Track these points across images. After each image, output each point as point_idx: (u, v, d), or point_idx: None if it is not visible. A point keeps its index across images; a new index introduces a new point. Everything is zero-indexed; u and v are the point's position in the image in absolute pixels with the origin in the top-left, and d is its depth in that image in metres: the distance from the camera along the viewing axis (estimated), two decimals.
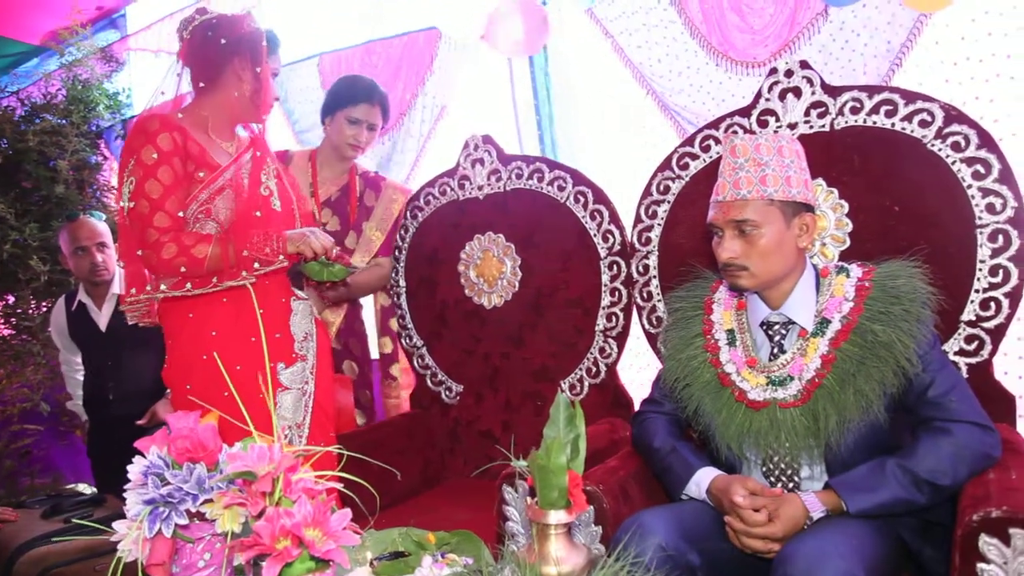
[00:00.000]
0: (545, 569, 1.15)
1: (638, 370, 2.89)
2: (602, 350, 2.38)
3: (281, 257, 1.92)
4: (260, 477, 1.00)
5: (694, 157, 2.18)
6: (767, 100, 2.05)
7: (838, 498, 1.50)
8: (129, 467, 1.09)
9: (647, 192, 2.26)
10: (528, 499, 1.22)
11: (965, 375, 1.78)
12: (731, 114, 2.12)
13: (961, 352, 1.81)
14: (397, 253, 2.82)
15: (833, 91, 1.97)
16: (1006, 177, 1.76)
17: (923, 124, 1.84)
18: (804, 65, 2.00)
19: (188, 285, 1.90)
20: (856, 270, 1.65)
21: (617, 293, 2.34)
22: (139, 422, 2.88)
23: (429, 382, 2.77)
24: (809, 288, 1.66)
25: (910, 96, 1.87)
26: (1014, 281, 1.76)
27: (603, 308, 2.37)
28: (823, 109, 1.97)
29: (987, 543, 1.29)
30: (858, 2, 2.36)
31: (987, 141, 1.78)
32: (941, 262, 1.72)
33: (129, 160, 1.90)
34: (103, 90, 4.48)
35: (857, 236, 1.93)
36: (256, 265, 1.89)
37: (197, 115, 2.00)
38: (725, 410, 1.68)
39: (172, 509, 1.07)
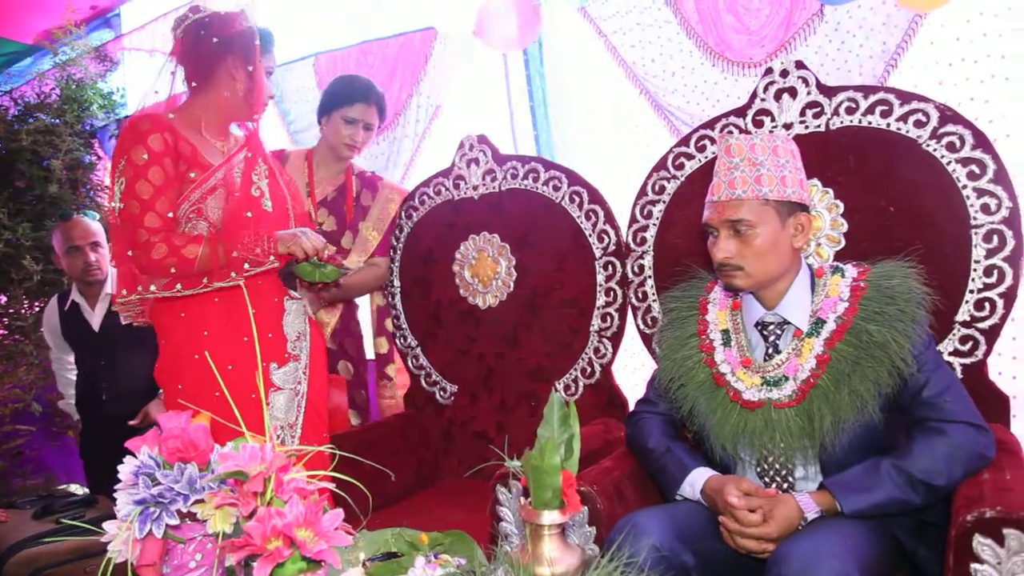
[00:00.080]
0: (539, 570, 1.15)
1: (633, 370, 2.89)
2: (597, 350, 2.37)
3: (272, 258, 1.91)
4: (251, 477, 0.99)
5: (689, 157, 2.18)
6: (762, 100, 2.05)
7: (833, 498, 1.50)
8: (120, 467, 1.08)
9: (642, 192, 2.26)
10: (522, 499, 1.22)
11: (959, 375, 1.78)
12: (727, 114, 2.12)
13: (955, 352, 1.81)
14: (393, 253, 2.81)
15: (828, 91, 1.96)
16: (1001, 178, 1.76)
17: (918, 124, 1.84)
18: (799, 65, 2.00)
19: (178, 286, 1.90)
20: (851, 270, 1.65)
21: (612, 293, 2.34)
22: (132, 422, 2.87)
23: (423, 382, 2.76)
24: (804, 288, 1.66)
25: (905, 96, 1.87)
26: (1008, 281, 1.76)
27: (598, 308, 2.37)
28: (818, 109, 1.97)
29: (981, 543, 1.29)
30: (853, 1, 2.36)
31: (982, 142, 1.78)
32: (936, 262, 1.72)
33: (120, 161, 1.89)
34: (97, 89, 4.47)
35: (852, 236, 1.92)
36: (246, 266, 1.88)
37: (190, 114, 1.99)
38: (720, 410, 1.68)
39: (163, 509, 1.06)
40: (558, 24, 3.04)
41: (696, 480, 1.66)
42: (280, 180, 2.09)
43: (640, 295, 2.27)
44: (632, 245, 2.27)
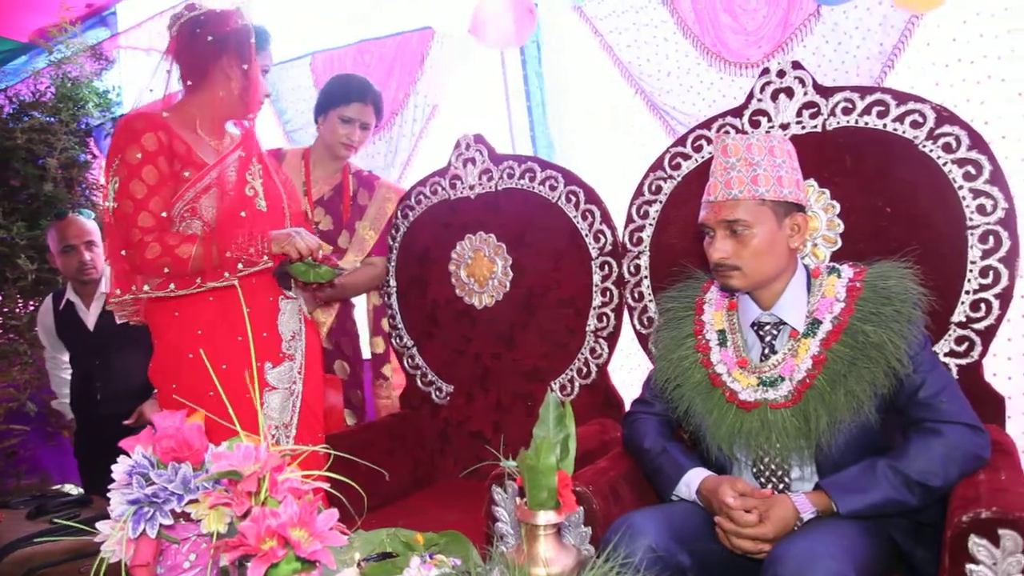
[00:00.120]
0: (534, 570, 1.14)
1: (629, 371, 2.89)
2: (593, 350, 2.37)
3: (265, 258, 1.90)
4: (246, 477, 0.99)
5: (686, 157, 2.18)
6: (759, 100, 2.05)
7: (829, 499, 1.50)
8: (114, 467, 1.08)
9: (639, 192, 2.25)
10: (518, 500, 1.22)
11: (955, 376, 1.78)
12: (723, 114, 2.12)
13: (951, 353, 1.81)
14: (389, 253, 2.81)
15: (825, 92, 1.96)
16: (997, 178, 1.76)
17: (915, 125, 1.84)
18: (796, 65, 2.00)
19: (172, 286, 1.89)
20: (847, 271, 1.65)
21: (608, 293, 2.34)
22: (126, 422, 2.86)
23: (419, 382, 2.76)
24: (800, 289, 1.66)
25: (902, 97, 1.87)
26: (1004, 282, 1.76)
27: (594, 308, 2.36)
28: (815, 110, 1.97)
29: (977, 544, 1.29)
30: (850, 2, 2.36)
31: (978, 142, 1.78)
32: (932, 263, 1.72)
33: (114, 160, 1.89)
34: (93, 88, 4.45)
35: (848, 237, 1.92)
36: (240, 266, 1.88)
37: (185, 113, 1.98)
38: (716, 411, 1.68)
39: (157, 509, 1.05)
40: (554, 23, 3.04)
41: (692, 480, 1.65)
42: (276, 179, 2.09)
43: (636, 295, 2.26)
44: (628, 245, 2.27)
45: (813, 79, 1.98)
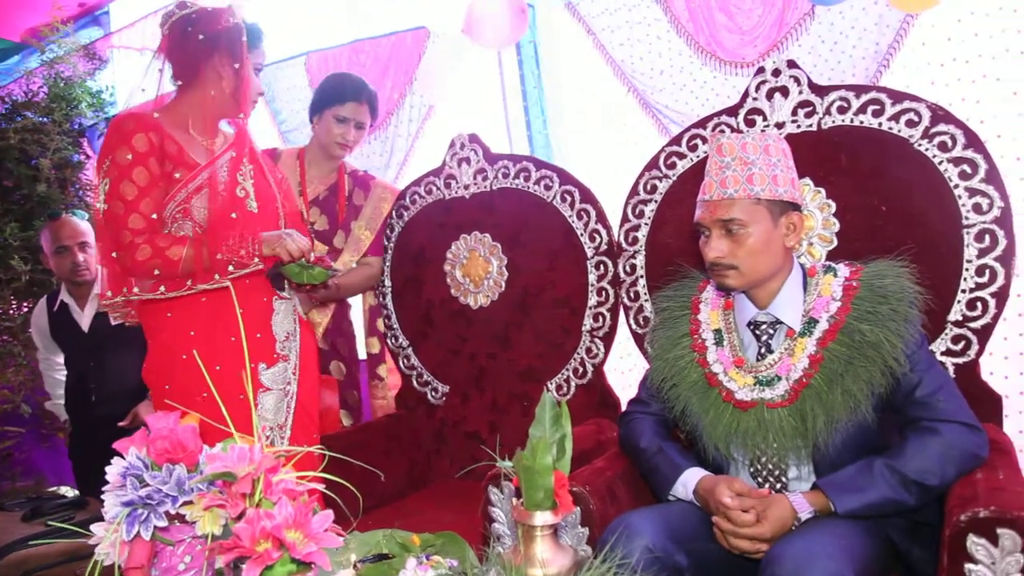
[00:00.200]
0: (531, 571, 1.14)
1: (625, 371, 2.89)
2: (589, 350, 2.37)
3: (256, 260, 1.89)
4: (240, 478, 0.98)
5: (681, 156, 2.17)
6: (754, 99, 2.05)
7: (826, 499, 1.49)
8: (107, 468, 1.07)
9: (634, 191, 2.25)
10: (514, 500, 1.21)
11: (952, 375, 1.78)
12: (718, 113, 2.12)
13: (948, 352, 1.81)
14: (384, 253, 2.80)
15: (820, 90, 1.96)
16: (992, 177, 1.76)
17: (910, 124, 1.84)
18: (791, 64, 2.00)
19: (162, 288, 1.88)
20: (843, 269, 1.65)
21: (604, 293, 2.33)
22: (121, 423, 2.85)
23: (415, 383, 2.75)
24: (796, 288, 1.66)
25: (897, 96, 1.87)
26: (1000, 281, 1.76)
27: (590, 308, 2.36)
28: (810, 108, 1.97)
29: (975, 543, 1.29)
30: (845, 1, 2.36)
31: (974, 141, 1.78)
32: (928, 262, 1.72)
33: (105, 161, 1.88)
34: (86, 88, 4.44)
35: (844, 236, 1.92)
36: (231, 268, 1.87)
37: (177, 112, 1.97)
38: (712, 410, 1.67)
39: (151, 511, 1.05)
40: (548, 21, 3.04)
41: (689, 480, 1.65)
42: (270, 179, 2.08)
43: (632, 295, 2.26)
44: (624, 244, 2.27)
45: (808, 78, 1.98)
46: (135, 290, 1.89)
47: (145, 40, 4.07)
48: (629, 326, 2.28)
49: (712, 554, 1.56)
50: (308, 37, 3.74)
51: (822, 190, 1.95)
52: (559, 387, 2.42)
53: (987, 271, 1.77)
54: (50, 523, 2.50)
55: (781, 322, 1.65)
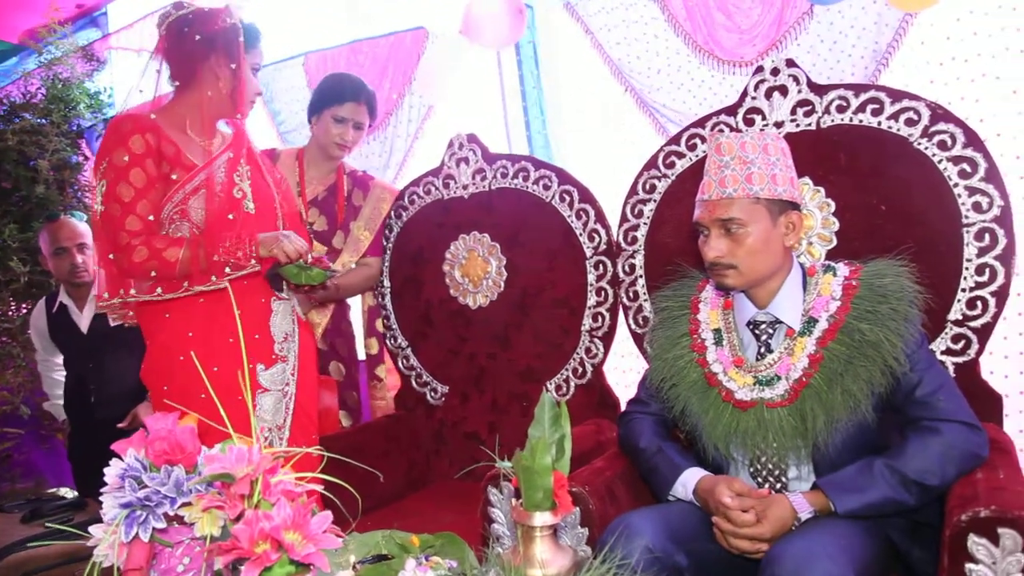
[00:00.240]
0: (530, 572, 1.14)
1: (624, 371, 2.88)
2: (588, 350, 2.37)
3: (253, 261, 1.89)
4: (238, 480, 0.98)
5: (680, 156, 2.17)
6: (753, 98, 2.05)
7: (826, 499, 1.49)
8: (106, 470, 1.07)
9: (633, 191, 2.25)
10: (513, 501, 1.21)
11: (952, 374, 1.77)
12: (717, 112, 2.12)
13: (948, 351, 1.81)
14: (384, 253, 2.80)
15: (819, 89, 1.96)
16: (992, 176, 1.76)
17: (909, 123, 1.84)
18: (790, 63, 2.00)
19: (159, 289, 1.88)
20: (843, 269, 1.65)
21: (603, 293, 2.33)
22: (121, 424, 2.85)
23: (414, 383, 2.75)
24: (796, 287, 1.65)
25: (896, 95, 1.87)
26: (1000, 280, 1.76)
27: (589, 308, 2.36)
28: (809, 107, 1.96)
29: (976, 543, 1.29)
30: (844, 0, 2.36)
31: (973, 140, 1.78)
32: (928, 261, 1.72)
33: (102, 163, 1.88)
34: (84, 89, 4.44)
35: (844, 235, 1.92)
36: (228, 270, 1.87)
37: (174, 113, 1.97)
38: (712, 410, 1.67)
39: (150, 513, 1.04)
40: (546, 21, 3.04)
41: (688, 480, 1.65)
42: (268, 179, 2.07)
43: (631, 294, 2.26)
44: (623, 244, 2.26)
45: (807, 77, 1.98)
46: (132, 292, 1.89)
47: (143, 41, 4.07)
48: (628, 326, 2.28)
49: (712, 554, 1.55)
50: (306, 37, 3.73)
51: (821, 189, 1.95)
52: (558, 387, 2.42)
53: (987, 270, 1.76)
54: (48, 525, 2.49)
55: (781, 321, 1.65)
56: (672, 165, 2.18)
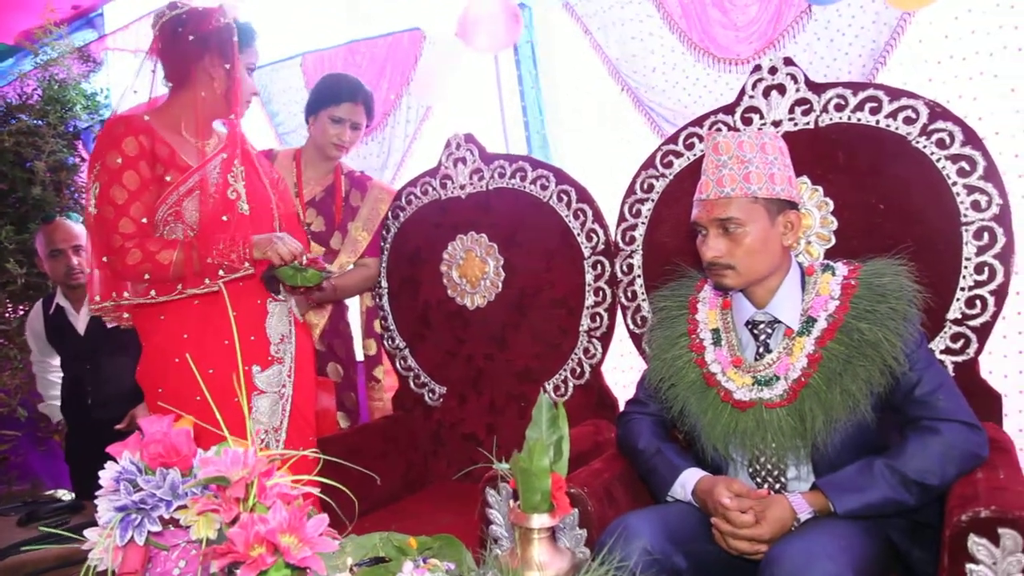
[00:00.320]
0: (528, 574, 1.13)
1: (623, 371, 2.88)
2: (586, 351, 2.36)
3: (247, 264, 1.88)
4: (233, 482, 0.97)
5: (678, 155, 2.16)
6: (751, 97, 2.04)
7: (825, 499, 1.49)
8: (101, 473, 1.06)
9: (631, 190, 2.24)
10: (511, 502, 1.20)
11: (951, 374, 1.77)
12: (715, 111, 2.11)
13: (947, 351, 1.80)
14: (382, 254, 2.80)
15: (817, 88, 1.96)
16: (991, 174, 1.75)
17: (908, 121, 1.84)
18: (788, 62, 1.99)
19: (152, 292, 1.87)
20: (842, 268, 1.64)
21: (601, 293, 2.33)
22: (118, 426, 2.84)
23: (412, 384, 2.74)
24: (795, 287, 1.65)
25: (895, 93, 1.86)
26: (999, 279, 1.75)
27: (587, 308, 2.35)
28: (807, 106, 1.96)
29: (976, 543, 1.28)
30: (842, 0, 2.36)
31: (972, 138, 1.77)
32: (927, 260, 1.71)
33: (95, 165, 1.87)
34: (80, 90, 4.43)
35: (842, 234, 1.92)
36: (221, 272, 1.86)
37: (169, 114, 1.96)
38: (711, 411, 1.66)
39: (145, 516, 1.04)
40: (544, 21, 3.04)
41: (687, 481, 1.64)
42: (264, 180, 2.06)
43: (629, 294, 2.25)
44: (621, 244, 2.26)
45: (805, 76, 1.97)
46: (125, 294, 1.88)
47: (139, 42, 4.06)
48: (627, 326, 2.27)
49: (711, 555, 1.55)
50: (304, 38, 3.73)
51: (820, 188, 1.94)
52: (556, 388, 2.42)
53: (986, 269, 1.76)
54: (42, 528, 2.49)
55: (779, 321, 1.64)
56: (670, 164, 2.18)
